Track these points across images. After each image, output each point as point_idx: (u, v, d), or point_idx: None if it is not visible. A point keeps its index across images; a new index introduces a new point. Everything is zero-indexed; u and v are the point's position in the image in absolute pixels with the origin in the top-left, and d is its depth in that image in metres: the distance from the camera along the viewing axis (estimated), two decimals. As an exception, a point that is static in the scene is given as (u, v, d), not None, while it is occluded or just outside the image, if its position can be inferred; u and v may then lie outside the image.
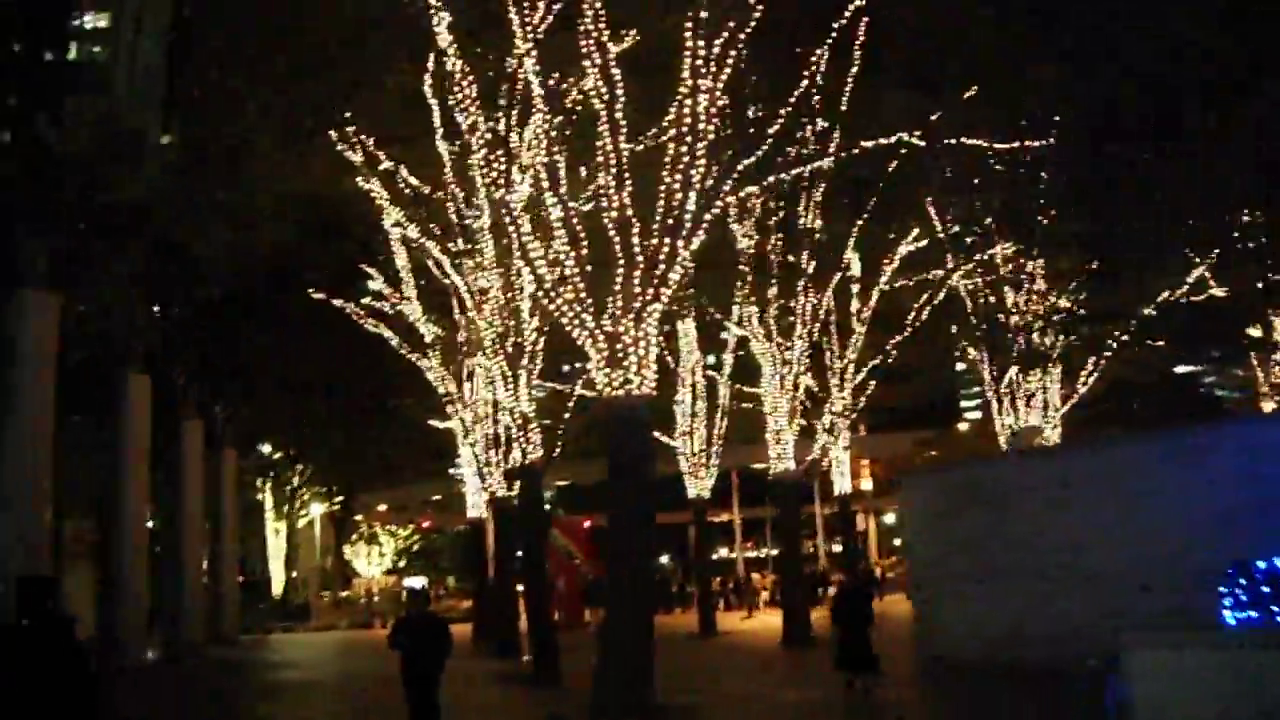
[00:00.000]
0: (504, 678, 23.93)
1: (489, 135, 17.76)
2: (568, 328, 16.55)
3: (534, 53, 16.81)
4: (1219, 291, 32.41)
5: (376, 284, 33.53)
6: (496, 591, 32.27)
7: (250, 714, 21.43)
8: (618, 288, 16.27)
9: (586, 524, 45.18)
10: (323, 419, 49.69)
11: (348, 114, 26.90)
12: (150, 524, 32.04)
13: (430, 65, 23.43)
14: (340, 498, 71.49)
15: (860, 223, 29.59)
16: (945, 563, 21.59)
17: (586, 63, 16.43)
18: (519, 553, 30.48)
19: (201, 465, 35.14)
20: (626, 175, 16.43)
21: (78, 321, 29.03)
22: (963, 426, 67.32)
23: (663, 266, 16.16)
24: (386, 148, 27.13)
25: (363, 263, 34.20)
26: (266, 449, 62.09)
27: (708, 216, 16.67)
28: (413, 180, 27.48)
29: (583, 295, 16.39)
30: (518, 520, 27.52)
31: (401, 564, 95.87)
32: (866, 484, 61.82)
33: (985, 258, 31.77)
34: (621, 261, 16.22)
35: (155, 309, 31.84)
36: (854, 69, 24.05)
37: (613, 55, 16.45)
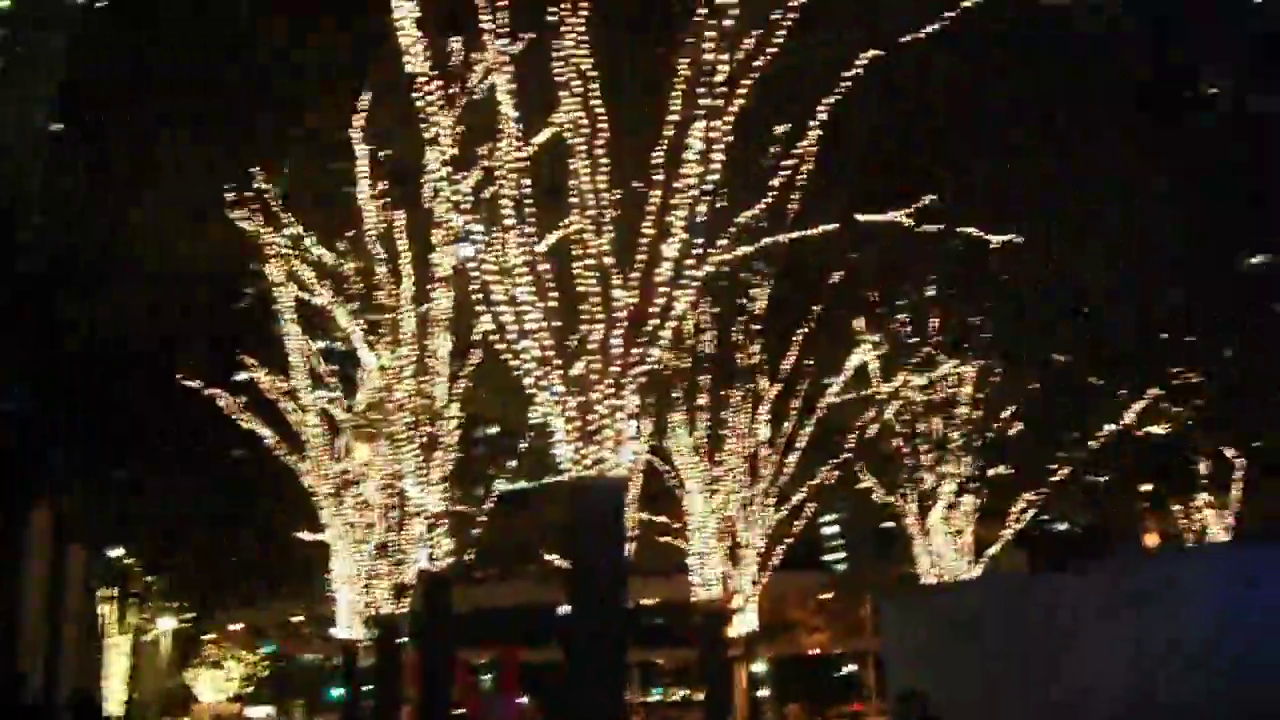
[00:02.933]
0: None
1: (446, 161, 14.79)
2: (529, 392, 13.60)
3: (507, 68, 14.14)
4: (1158, 429, 30.92)
5: (257, 373, 29.97)
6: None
7: None
8: (592, 347, 13.45)
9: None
10: (182, 524, 44.97)
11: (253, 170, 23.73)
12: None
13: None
14: (192, 615, 65.75)
15: (804, 331, 27.35)
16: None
17: (564, 92, 13.87)
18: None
19: (46, 562, 30.87)
20: (605, 219, 13.79)
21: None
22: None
23: (654, 323, 13.41)
24: (295, 210, 24.09)
25: (241, 348, 30.71)
26: (117, 552, 56.78)
27: (705, 269, 14.04)
28: (317, 249, 24.47)
29: (549, 355, 13.50)
30: (422, 638, 24.09)
31: (249, 690, 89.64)
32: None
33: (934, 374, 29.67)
34: (600, 316, 13.43)
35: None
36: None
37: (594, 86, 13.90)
